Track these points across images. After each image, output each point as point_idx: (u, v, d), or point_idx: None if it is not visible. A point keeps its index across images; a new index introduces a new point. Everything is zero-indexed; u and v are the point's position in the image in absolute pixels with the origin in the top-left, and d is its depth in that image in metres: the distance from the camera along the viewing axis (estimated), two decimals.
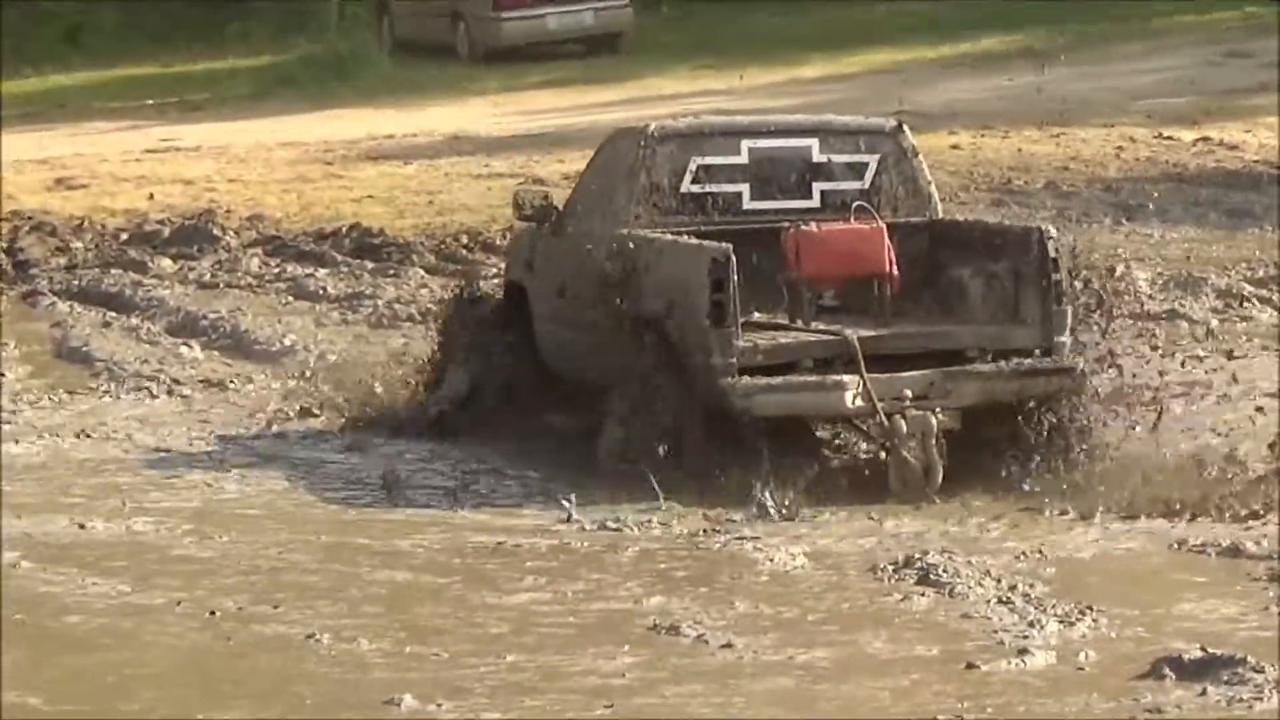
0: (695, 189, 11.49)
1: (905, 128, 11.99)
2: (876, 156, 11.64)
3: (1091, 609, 7.96)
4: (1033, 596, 8.23)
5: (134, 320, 16.20)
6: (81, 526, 9.86)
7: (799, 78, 28.55)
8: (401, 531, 9.86)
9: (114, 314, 16.52)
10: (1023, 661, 7.28)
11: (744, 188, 11.56)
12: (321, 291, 17.05)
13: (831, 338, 10.69)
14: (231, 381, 13.93)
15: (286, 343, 15.00)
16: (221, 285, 17.64)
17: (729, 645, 7.61)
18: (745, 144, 11.63)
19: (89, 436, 12.29)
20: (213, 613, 8.21)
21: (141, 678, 7.42)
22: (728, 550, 9.37)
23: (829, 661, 7.55)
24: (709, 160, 11.55)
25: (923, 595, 8.38)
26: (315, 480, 11.21)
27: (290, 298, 17.08)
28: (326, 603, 8.47)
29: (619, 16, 31.84)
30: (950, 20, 31.76)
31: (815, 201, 11.52)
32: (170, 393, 13.58)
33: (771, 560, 9.01)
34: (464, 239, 18.63)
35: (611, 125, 14.56)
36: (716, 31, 32.37)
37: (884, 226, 11.06)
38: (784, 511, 9.86)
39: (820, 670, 7.42)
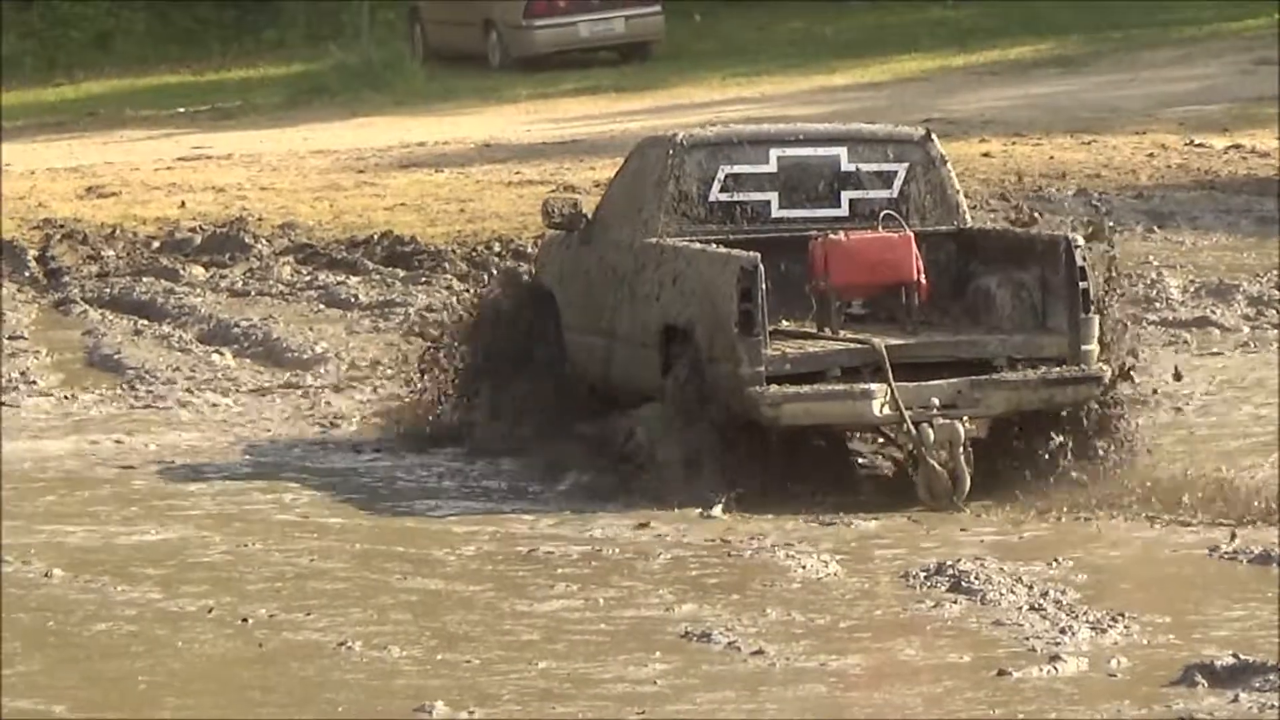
0: (724, 198, 11.49)
1: (933, 136, 11.97)
2: (905, 165, 11.62)
3: (1123, 616, 7.96)
4: (1064, 603, 8.22)
5: (165, 328, 16.23)
6: (111, 533, 9.91)
7: (828, 85, 28.54)
8: (433, 539, 9.89)
9: (145, 322, 16.56)
10: (1054, 668, 7.26)
11: (772, 196, 11.55)
12: (353, 299, 17.08)
13: (859, 346, 10.68)
14: (263, 388, 13.97)
15: (318, 350, 15.03)
16: (253, 293, 17.66)
17: (760, 652, 7.61)
18: (774, 153, 11.62)
19: (118, 443, 12.35)
20: (244, 620, 8.24)
21: (172, 685, 7.45)
22: (759, 557, 9.37)
23: (861, 668, 7.56)
24: (738, 169, 11.55)
25: (954, 602, 8.38)
26: (347, 488, 11.24)
27: (322, 305, 17.11)
28: (358, 610, 8.49)
29: (650, 24, 31.82)
30: (980, 27, 31.73)
31: (844, 210, 11.51)
32: (201, 400, 13.63)
33: (803, 567, 9.02)
34: (495, 247, 18.63)
35: (642, 133, 14.58)
36: (746, 39, 32.39)
37: (912, 235, 11.06)
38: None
39: (852, 677, 7.43)
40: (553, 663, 7.57)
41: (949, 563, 8.87)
